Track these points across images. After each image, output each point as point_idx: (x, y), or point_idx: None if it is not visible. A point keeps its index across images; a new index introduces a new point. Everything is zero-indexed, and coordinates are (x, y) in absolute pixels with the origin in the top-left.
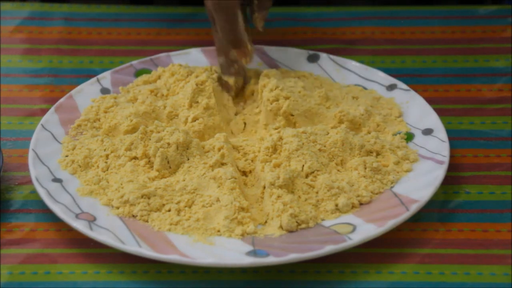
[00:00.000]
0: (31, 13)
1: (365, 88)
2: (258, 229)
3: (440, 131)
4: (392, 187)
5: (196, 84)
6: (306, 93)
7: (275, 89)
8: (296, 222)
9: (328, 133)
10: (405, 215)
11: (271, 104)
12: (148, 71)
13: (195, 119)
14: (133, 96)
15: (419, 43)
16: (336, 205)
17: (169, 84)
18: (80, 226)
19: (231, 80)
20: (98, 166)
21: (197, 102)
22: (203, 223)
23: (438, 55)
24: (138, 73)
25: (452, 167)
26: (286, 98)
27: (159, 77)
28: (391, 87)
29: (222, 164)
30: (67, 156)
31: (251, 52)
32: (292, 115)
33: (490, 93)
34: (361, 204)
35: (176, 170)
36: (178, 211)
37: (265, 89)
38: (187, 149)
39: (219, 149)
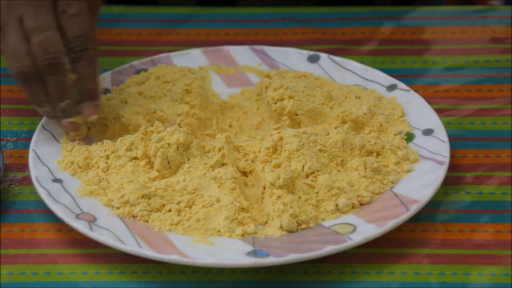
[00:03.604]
0: None
1: (366, 89)
2: (258, 230)
3: (440, 131)
4: (392, 187)
5: (185, 84)
6: (309, 93)
7: (279, 88)
8: (297, 222)
9: (328, 134)
10: (405, 215)
11: (275, 104)
12: None
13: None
14: (123, 98)
15: (419, 43)
16: (337, 206)
17: (156, 86)
18: (80, 226)
19: (78, 119)
20: (98, 167)
21: (186, 103)
22: (204, 224)
23: (438, 55)
24: (138, 74)
25: (452, 167)
26: (291, 97)
27: (147, 79)
28: (391, 88)
29: (223, 164)
30: (67, 156)
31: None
32: (297, 115)
33: (490, 93)
34: (361, 204)
35: (176, 171)
36: (179, 211)
37: (269, 89)
38: (188, 149)
39: (219, 150)
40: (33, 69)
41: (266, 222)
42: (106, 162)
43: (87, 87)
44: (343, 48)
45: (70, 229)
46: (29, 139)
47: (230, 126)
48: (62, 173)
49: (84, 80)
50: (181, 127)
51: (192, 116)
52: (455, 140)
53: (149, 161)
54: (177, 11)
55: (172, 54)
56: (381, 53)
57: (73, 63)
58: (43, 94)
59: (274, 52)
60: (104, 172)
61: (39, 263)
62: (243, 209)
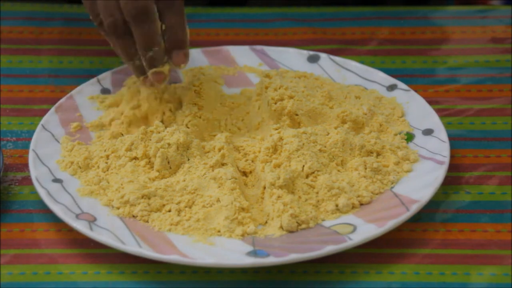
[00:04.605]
0: (31, 13)
1: (366, 89)
2: (258, 230)
3: (440, 131)
4: (392, 187)
5: (194, 85)
6: (309, 93)
7: (279, 88)
8: (297, 222)
9: (328, 134)
10: (405, 215)
11: (275, 104)
12: None
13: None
14: (129, 97)
15: (419, 43)
16: (337, 205)
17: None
18: (80, 226)
19: (165, 69)
20: (98, 167)
21: (195, 104)
22: (204, 224)
23: (438, 55)
24: None
25: (452, 167)
26: (291, 97)
27: None
28: (391, 88)
29: (223, 164)
30: (67, 156)
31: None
32: (297, 115)
33: (490, 93)
34: (361, 204)
35: (176, 171)
36: (179, 212)
37: (269, 89)
38: (188, 149)
39: (219, 150)
40: (124, 21)
41: (266, 222)
42: (106, 162)
43: (176, 36)
44: (343, 48)
45: (70, 229)
46: (29, 139)
47: (239, 128)
48: (62, 173)
49: (173, 29)
50: (188, 127)
51: (200, 117)
52: (455, 140)
53: (149, 161)
54: None
55: None
56: (381, 53)
57: (162, 12)
58: (134, 46)
59: (274, 52)
60: (104, 172)
61: (39, 263)
62: (243, 209)
